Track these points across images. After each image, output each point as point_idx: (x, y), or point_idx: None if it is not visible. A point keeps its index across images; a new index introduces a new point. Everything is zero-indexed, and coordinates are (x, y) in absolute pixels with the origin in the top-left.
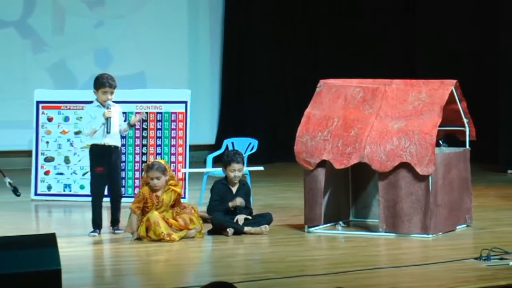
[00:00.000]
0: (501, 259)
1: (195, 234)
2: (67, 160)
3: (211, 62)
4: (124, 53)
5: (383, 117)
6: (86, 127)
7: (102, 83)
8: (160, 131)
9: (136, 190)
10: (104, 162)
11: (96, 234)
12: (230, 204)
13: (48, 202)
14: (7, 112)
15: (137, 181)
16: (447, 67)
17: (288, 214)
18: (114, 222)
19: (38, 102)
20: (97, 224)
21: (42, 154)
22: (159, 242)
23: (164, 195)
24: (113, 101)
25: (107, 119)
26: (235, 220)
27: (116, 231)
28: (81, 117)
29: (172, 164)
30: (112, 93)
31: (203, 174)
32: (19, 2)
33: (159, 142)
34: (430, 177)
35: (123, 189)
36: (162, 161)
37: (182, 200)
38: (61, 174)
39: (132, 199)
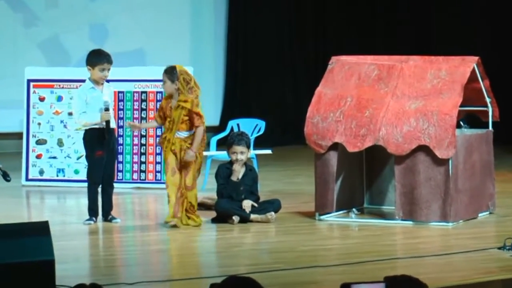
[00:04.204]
0: None
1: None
2: (60, 143)
3: (215, 38)
4: (121, 28)
5: (400, 96)
6: (79, 116)
7: (100, 59)
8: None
9: (135, 175)
10: (104, 145)
11: (92, 222)
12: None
13: (40, 188)
14: None
15: (135, 165)
16: (468, 43)
17: (298, 201)
18: (108, 210)
19: (29, 81)
20: (94, 211)
21: (34, 136)
22: (159, 231)
23: (174, 112)
24: (106, 80)
25: (107, 122)
26: (242, 206)
27: (113, 221)
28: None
29: None
30: (109, 70)
31: (206, 158)
32: None
33: None
34: (450, 161)
35: (120, 173)
36: (179, 67)
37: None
38: (54, 158)
39: (130, 185)
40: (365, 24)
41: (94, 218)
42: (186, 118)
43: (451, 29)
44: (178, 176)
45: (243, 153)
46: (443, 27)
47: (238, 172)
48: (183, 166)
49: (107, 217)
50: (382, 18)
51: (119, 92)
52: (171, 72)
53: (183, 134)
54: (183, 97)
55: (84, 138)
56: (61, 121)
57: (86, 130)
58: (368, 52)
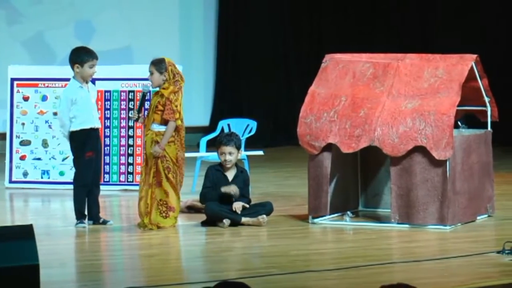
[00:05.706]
0: None
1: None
2: (45, 143)
3: (204, 36)
4: (108, 25)
5: (396, 95)
6: (69, 122)
7: (90, 55)
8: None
9: (122, 177)
10: (94, 146)
11: (86, 225)
12: (223, 189)
13: (24, 190)
14: None
15: (122, 167)
16: (467, 41)
17: (290, 204)
18: (97, 212)
19: (12, 80)
20: (83, 214)
21: (17, 137)
22: (147, 235)
23: (154, 98)
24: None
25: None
26: (232, 208)
27: (108, 224)
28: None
29: None
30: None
31: (196, 159)
32: None
33: None
34: (447, 162)
35: (107, 175)
36: (167, 59)
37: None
38: (39, 159)
39: (117, 187)
40: (362, 21)
41: (84, 221)
42: (161, 107)
43: (451, 25)
44: (145, 173)
45: (231, 154)
46: (443, 24)
47: (230, 174)
48: (153, 161)
49: (97, 220)
50: (381, 15)
51: (105, 91)
52: (159, 64)
53: (156, 127)
54: (165, 85)
55: (73, 139)
56: (46, 121)
57: (75, 131)
58: (365, 50)
